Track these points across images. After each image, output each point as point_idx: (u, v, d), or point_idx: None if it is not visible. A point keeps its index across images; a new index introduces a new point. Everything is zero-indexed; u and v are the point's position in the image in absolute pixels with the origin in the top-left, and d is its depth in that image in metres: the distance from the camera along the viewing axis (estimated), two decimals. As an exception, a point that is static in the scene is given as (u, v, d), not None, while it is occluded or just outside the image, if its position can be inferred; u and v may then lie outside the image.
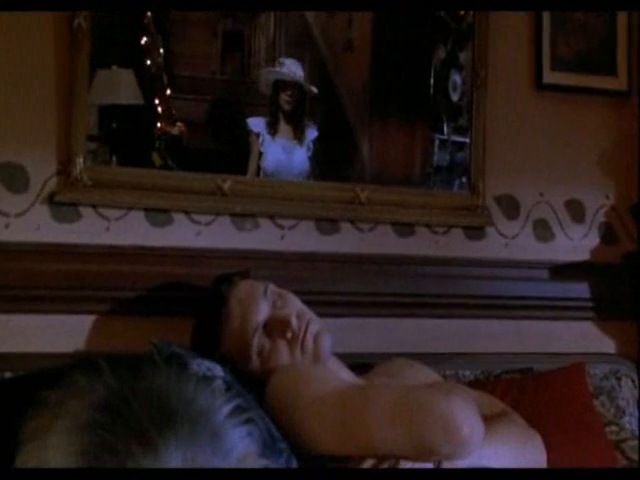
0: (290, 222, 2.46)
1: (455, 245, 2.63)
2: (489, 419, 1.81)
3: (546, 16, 2.72)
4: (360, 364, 2.19)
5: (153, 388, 1.02)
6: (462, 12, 2.65)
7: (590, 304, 2.72)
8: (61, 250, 2.24)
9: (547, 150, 2.74)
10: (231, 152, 2.52)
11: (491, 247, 2.66)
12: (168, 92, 2.41)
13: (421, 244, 2.59)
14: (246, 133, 2.48)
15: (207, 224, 2.39)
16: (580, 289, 2.70)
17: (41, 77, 2.25)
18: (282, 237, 2.46)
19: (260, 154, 2.48)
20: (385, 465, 1.66)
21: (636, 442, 2.29)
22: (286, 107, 2.51)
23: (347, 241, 2.52)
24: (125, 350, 1.41)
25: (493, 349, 2.60)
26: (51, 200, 2.25)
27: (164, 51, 2.40)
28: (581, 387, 2.39)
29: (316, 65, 2.55)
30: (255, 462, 1.04)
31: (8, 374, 1.99)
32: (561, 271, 2.70)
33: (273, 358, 1.95)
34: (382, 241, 2.55)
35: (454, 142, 2.66)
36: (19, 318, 2.20)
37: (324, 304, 2.22)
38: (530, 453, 1.89)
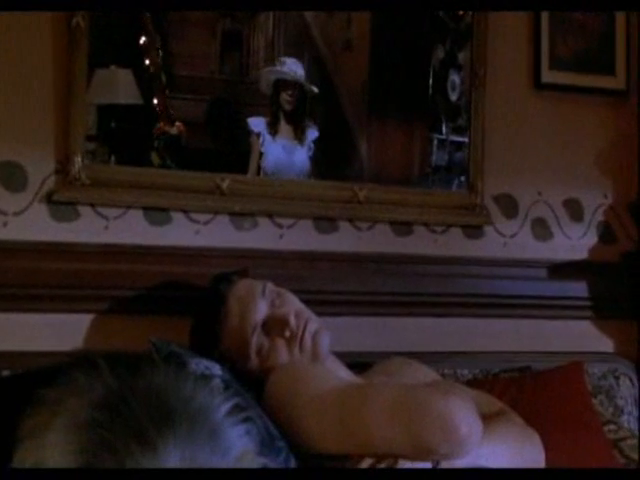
0: (289, 221, 2.46)
1: (453, 244, 2.63)
2: (487, 418, 1.81)
3: (545, 16, 2.72)
4: (358, 363, 2.19)
5: (152, 387, 1.03)
6: (461, 12, 2.65)
7: (588, 303, 2.72)
8: (59, 249, 2.24)
9: (545, 149, 2.74)
10: (230, 152, 2.52)
11: (489, 246, 2.66)
12: (167, 92, 2.41)
13: (419, 243, 2.59)
14: (245, 133, 2.48)
15: (206, 223, 2.39)
16: (578, 288, 2.70)
17: (39, 76, 2.25)
18: (280, 236, 2.46)
19: (261, 154, 2.47)
20: (383, 464, 1.66)
21: (634, 441, 2.29)
22: (287, 107, 2.51)
23: (345, 240, 2.52)
24: (124, 349, 1.40)
25: (491, 348, 2.60)
26: (49, 199, 2.25)
27: (163, 51, 2.40)
28: (579, 386, 2.39)
29: (315, 65, 2.55)
30: (253, 460, 1.04)
31: (6, 372, 1.99)
32: (559, 270, 2.70)
33: (272, 357, 1.95)
34: (380, 240, 2.55)
35: (453, 142, 2.66)
36: (18, 317, 2.20)
37: (322, 303, 2.22)
38: (528, 452, 1.89)
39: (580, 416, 2.29)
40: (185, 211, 2.37)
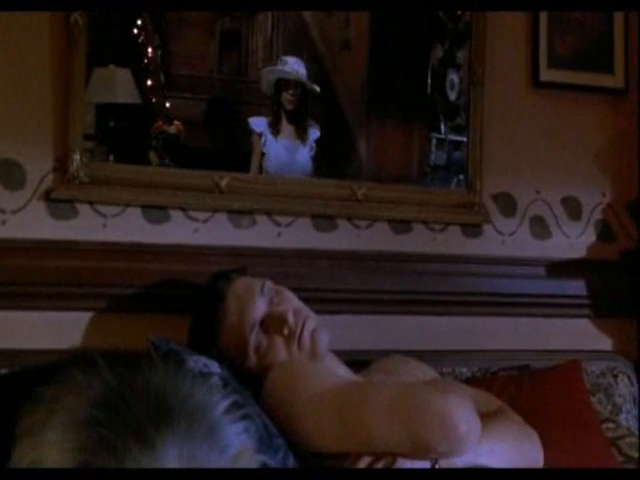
0: (287, 219, 2.46)
1: (452, 242, 2.63)
2: (486, 416, 1.82)
3: (543, 14, 2.72)
4: (357, 361, 2.19)
5: (150, 384, 1.02)
6: (459, 12, 2.65)
7: (587, 301, 2.73)
8: (58, 247, 2.24)
9: (544, 148, 2.74)
10: (229, 151, 2.52)
11: (488, 244, 2.67)
12: (165, 91, 2.41)
13: (418, 241, 2.59)
14: (243, 132, 2.48)
15: (204, 221, 2.39)
16: (577, 286, 2.71)
17: (38, 75, 2.25)
18: (279, 234, 2.46)
19: (262, 154, 2.47)
20: (382, 462, 1.67)
21: (633, 439, 2.30)
22: (289, 106, 2.50)
23: (344, 238, 2.52)
24: (122, 347, 1.40)
25: (490, 346, 2.60)
26: (48, 197, 2.25)
27: (161, 50, 2.40)
28: (578, 384, 2.39)
29: (314, 64, 2.55)
30: (252, 458, 1.03)
31: (4, 370, 1.99)
32: (558, 268, 2.70)
33: (270, 355, 1.95)
34: (379, 238, 2.55)
35: (451, 141, 2.66)
36: (16, 315, 2.20)
37: (321, 301, 2.22)
38: (527, 450, 1.90)
39: (578, 414, 2.29)
40: (184, 209, 2.37)
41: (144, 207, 2.33)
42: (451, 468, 1.66)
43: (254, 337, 1.95)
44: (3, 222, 2.22)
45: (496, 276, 2.64)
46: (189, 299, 2.12)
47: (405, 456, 1.66)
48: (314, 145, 2.52)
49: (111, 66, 2.37)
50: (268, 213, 2.44)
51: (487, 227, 2.66)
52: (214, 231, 2.40)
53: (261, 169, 2.46)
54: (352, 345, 2.36)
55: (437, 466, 1.66)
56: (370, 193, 2.52)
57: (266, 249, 2.43)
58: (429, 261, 2.59)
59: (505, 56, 2.70)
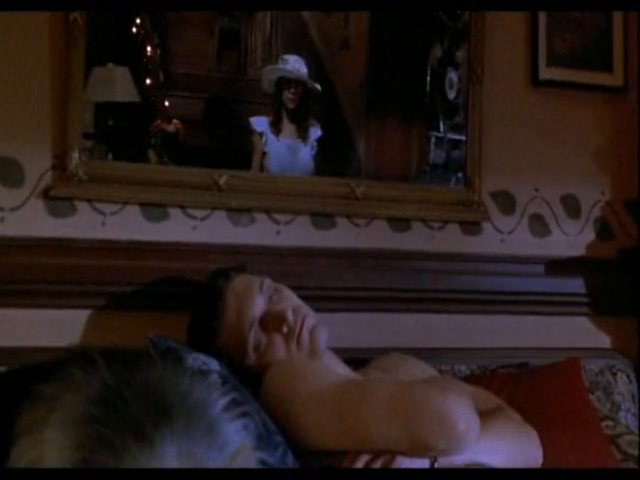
0: (286, 217, 2.46)
1: (451, 240, 2.63)
2: (485, 414, 1.82)
3: (542, 13, 2.71)
4: (356, 359, 2.19)
5: (149, 382, 1.02)
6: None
7: (585, 299, 2.73)
8: (56, 245, 2.24)
9: (543, 146, 2.74)
10: (227, 150, 2.51)
11: (487, 242, 2.67)
12: (164, 90, 2.41)
13: (417, 239, 2.59)
14: (242, 131, 2.48)
15: (203, 219, 2.39)
16: (575, 284, 2.71)
17: (37, 73, 2.25)
18: (278, 232, 2.46)
19: (264, 154, 2.47)
20: (381, 460, 1.67)
21: (631, 437, 2.30)
22: (290, 105, 2.50)
23: (343, 236, 2.52)
24: (121, 345, 1.40)
25: (489, 344, 2.60)
26: (46, 195, 2.25)
27: (160, 48, 2.40)
28: (577, 382, 2.39)
29: (313, 63, 2.54)
30: (251, 455, 1.04)
31: (3, 368, 1.99)
32: (557, 266, 2.70)
33: (269, 353, 1.95)
34: (378, 236, 2.55)
35: (450, 140, 2.66)
36: (14, 312, 2.20)
37: (320, 299, 2.22)
38: (526, 448, 1.90)
39: (577, 412, 2.29)
40: (182, 207, 2.37)
41: (143, 205, 2.33)
42: (451, 468, 1.66)
43: (253, 335, 1.95)
44: (2, 220, 2.22)
45: (495, 274, 2.64)
46: (188, 297, 2.13)
47: (404, 454, 1.66)
48: (315, 144, 2.51)
49: (110, 65, 2.37)
50: (267, 211, 2.44)
51: (486, 225, 2.66)
52: (213, 229, 2.39)
53: (262, 168, 2.46)
54: (351, 343, 2.36)
55: (436, 464, 1.67)
56: (369, 191, 2.51)
57: (265, 247, 2.43)
58: (428, 259, 2.59)
59: (504, 55, 2.70)
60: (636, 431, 2.41)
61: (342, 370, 1.99)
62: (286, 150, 2.49)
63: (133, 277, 2.28)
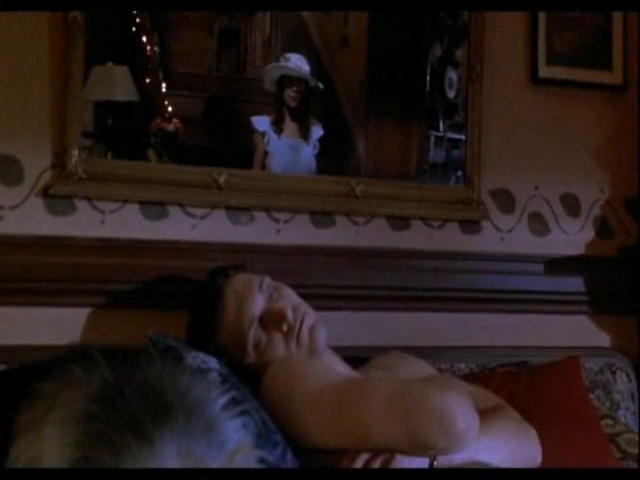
0: (285, 215, 2.46)
1: (450, 239, 2.63)
2: (484, 413, 1.82)
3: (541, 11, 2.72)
4: (355, 357, 2.19)
5: (148, 380, 1.02)
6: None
7: (585, 298, 2.73)
8: (56, 243, 2.24)
9: (542, 144, 2.74)
10: (227, 149, 2.51)
11: (486, 241, 2.66)
12: (164, 89, 2.41)
13: (416, 238, 2.59)
14: (242, 130, 2.48)
15: (202, 217, 2.39)
16: (575, 283, 2.71)
17: (36, 72, 2.25)
18: (277, 230, 2.46)
19: (265, 153, 2.47)
20: (380, 459, 1.67)
21: (631, 435, 2.30)
22: (292, 103, 2.50)
23: (342, 234, 2.52)
24: (120, 343, 1.40)
25: (488, 343, 2.60)
26: (46, 193, 2.25)
27: (160, 48, 2.40)
28: (576, 381, 2.40)
29: (312, 62, 2.54)
30: (250, 453, 1.04)
31: (2, 366, 1.99)
32: (556, 265, 2.70)
33: (269, 351, 1.95)
34: (377, 234, 2.55)
35: (450, 139, 2.66)
36: (14, 311, 2.20)
37: (319, 297, 2.22)
38: (525, 447, 1.90)
39: (577, 411, 2.29)
40: (182, 205, 2.36)
41: (142, 203, 2.33)
42: (451, 468, 1.66)
43: (253, 333, 1.95)
44: (1, 218, 2.22)
45: (494, 273, 2.64)
46: (187, 295, 2.13)
47: (403, 452, 1.66)
48: (317, 143, 2.51)
49: (110, 64, 2.37)
50: (266, 209, 2.44)
51: (485, 224, 2.66)
52: (212, 227, 2.39)
53: (264, 168, 2.46)
54: (350, 341, 2.36)
55: (435, 462, 1.67)
56: (368, 189, 2.51)
57: (265, 245, 2.43)
58: (427, 257, 2.59)
59: (504, 53, 2.70)
60: (635, 430, 2.41)
61: (342, 368, 1.99)
62: (288, 149, 2.49)
63: (132, 275, 2.28)
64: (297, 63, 2.48)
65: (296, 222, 2.47)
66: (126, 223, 2.32)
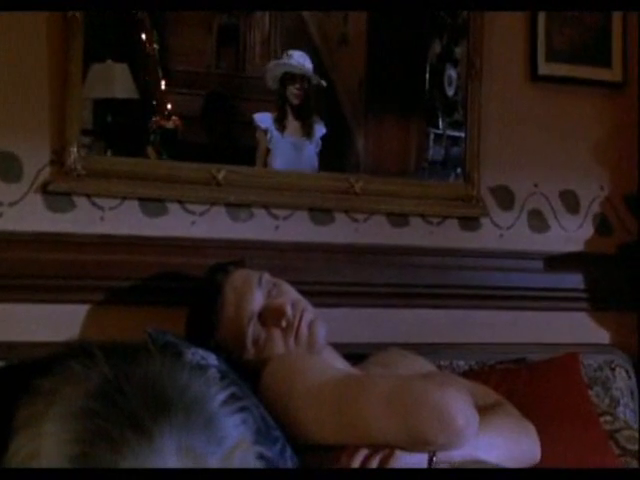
0: (285, 212, 2.46)
1: (450, 235, 2.63)
2: (483, 410, 1.82)
3: (541, 8, 2.72)
4: (355, 354, 2.18)
5: (147, 376, 1.02)
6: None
7: (584, 295, 2.73)
8: (55, 239, 2.24)
9: (542, 141, 2.74)
10: (226, 146, 2.51)
11: (486, 238, 2.67)
12: (163, 86, 2.41)
13: (416, 234, 2.59)
14: (241, 127, 2.48)
15: (201, 214, 2.39)
16: (574, 280, 2.71)
17: (36, 69, 2.25)
18: (276, 227, 2.46)
19: (268, 151, 2.46)
20: (380, 454, 1.67)
21: (630, 432, 2.30)
22: (294, 101, 2.49)
23: (342, 231, 2.52)
24: (120, 339, 1.40)
25: (488, 339, 2.61)
26: (45, 189, 2.25)
27: (159, 45, 2.40)
28: (575, 377, 2.40)
29: (312, 60, 2.54)
30: (249, 449, 1.04)
31: (1, 363, 1.99)
32: (555, 262, 2.70)
33: (268, 347, 1.95)
34: (377, 231, 2.55)
35: (449, 137, 2.66)
36: (13, 307, 2.20)
37: (318, 294, 2.22)
38: (524, 444, 1.91)
39: (576, 407, 2.29)
40: (181, 202, 2.37)
41: (141, 200, 2.33)
42: (450, 468, 1.66)
43: (252, 329, 1.95)
44: (0, 215, 2.22)
45: (494, 269, 2.64)
46: (186, 291, 2.13)
47: (403, 448, 1.67)
48: (320, 142, 2.51)
49: (109, 61, 2.36)
50: (266, 206, 2.44)
51: (485, 220, 2.66)
52: (211, 224, 2.39)
53: (266, 165, 2.46)
54: (349, 338, 2.36)
55: (435, 459, 1.67)
56: (368, 186, 2.51)
57: (264, 242, 2.43)
58: (426, 254, 2.59)
59: (503, 50, 2.70)
60: (635, 426, 2.41)
61: (341, 365, 1.99)
62: (291, 148, 2.49)
63: (132, 272, 2.27)
64: (300, 60, 2.47)
65: (295, 219, 2.47)
66: (125, 220, 2.32)
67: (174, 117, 2.41)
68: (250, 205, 2.43)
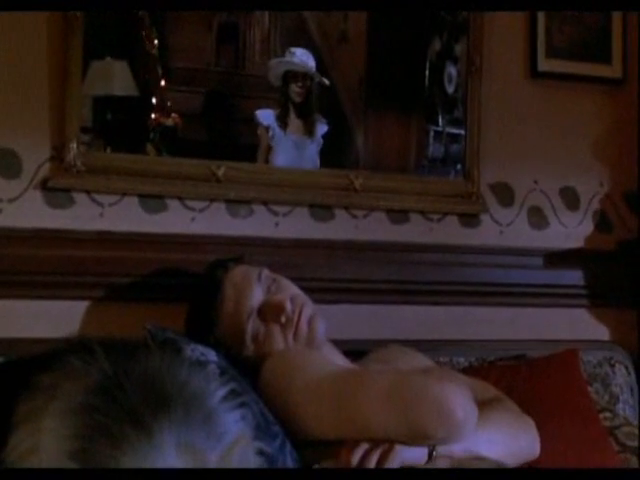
0: (284, 209, 2.46)
1: (449, 232, 2.63)
2: (482, 405, 1.82)
3: (541, 5, 2.72)
4: (354, 351, 2.18)
5: (147, 372, 1.03)
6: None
7: (584, 291, 2.73)
8: (54, 236, 2.24)
9: (542, 138, 2.74)
10: (226, 144, 2.51)
11: (485, 234, 2.66)
12: (163, 83, 2.41)
13: (415, 231, 2.59)
14: (241, 125, 2.47)
15: (201, 210, 2.38)
16: (574, 276, 2.71)
17: (35, 66, 2.24)
18: (276, 224, 2.45)
19: (270, 148, 2.46)
20: (380, 449, 1.67)
21: (630, 428, 2.30)
22: (297, 99, 2.49)
23: (341, 228, 2.52)
24: (119, 335, 1.40)
25: (487, 336, 2.60)
26: (44, 186, 2.24)
27: (159, 43, 2.40)
28: (575, 374, 2.40)
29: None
30: (249, 445, 1.04)
31: (1, 359, 1.99)
32: (555, 258, 2.70)
33: (267, 343, 1.95)
34: (376, 228, 2.55)
35: (449, 134, 2.66)
36: (13, 303, 2.20)
37: (318, 291, 2.21)
38: (523, 439, 1.91)
39: (576, 404, 2.29)
40: (181, 198, 2.36)
41: (141, 196, 2.33)
42: (450, 468, 1.67)
43: (251, 325, 1.95)
44: (0, 211, 2.22)
45: (493, 266, 2.63)
46: (186, 288, 2.12)
47: (403, 443, 1.67)
48: (321, 140, 2.51)
49: (108, 59, 2.36)
50: (265, 203, 2.44)
51: (485, 217, 2.66)
52: (211, 220, 2.39)
53: (268, 163, 2.46)
54: (349, 335, 2.35)
55: (435, 453, 1.67)
56: (368, 183, 2.51)
57: (263, 238, 2.42)
58: (426, 251, 2.59)
59: (503, 47, 2.69)
60: (634, 423, 2.41)
61: (341, 361, 1.99)
62: (293, 146, 2.48)
63: (131, 268, 2.27)
64: (302, 58, 2.47)
65: (295, 215, 2.47)
66: (125, 216, 2.31)
67: (174, 114, 2.41)
68: (250, 202, 2.42)
